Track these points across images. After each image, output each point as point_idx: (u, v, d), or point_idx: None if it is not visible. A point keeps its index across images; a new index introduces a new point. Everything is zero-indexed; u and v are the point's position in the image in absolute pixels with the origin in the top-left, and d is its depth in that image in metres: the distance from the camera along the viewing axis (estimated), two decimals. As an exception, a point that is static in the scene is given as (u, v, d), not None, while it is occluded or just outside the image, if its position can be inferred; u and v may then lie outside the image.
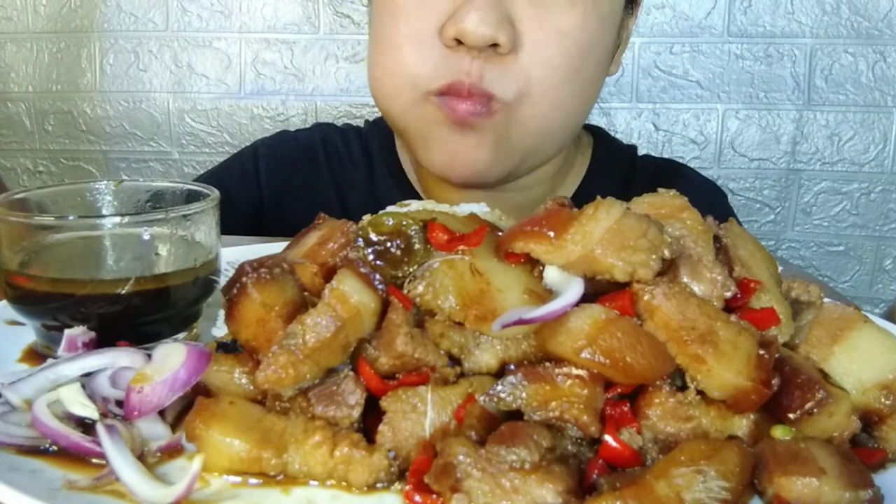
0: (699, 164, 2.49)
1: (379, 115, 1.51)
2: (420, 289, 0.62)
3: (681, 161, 1.69)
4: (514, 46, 1.06)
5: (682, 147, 2.53)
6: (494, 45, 1.05)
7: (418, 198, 1.35)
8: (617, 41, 1.22)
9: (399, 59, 1.11)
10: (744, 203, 2.54)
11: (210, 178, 1.44)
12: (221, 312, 0.82)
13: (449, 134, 1.11)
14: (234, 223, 1.34)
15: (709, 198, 1.47)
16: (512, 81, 1.08)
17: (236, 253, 0.93)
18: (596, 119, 1.31)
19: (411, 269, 0.64)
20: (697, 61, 2.51)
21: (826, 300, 0.70)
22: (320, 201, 1.38)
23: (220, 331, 0.80)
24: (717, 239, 0.68)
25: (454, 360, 0.61)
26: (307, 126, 1.59)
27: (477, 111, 1.08)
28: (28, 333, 0.77)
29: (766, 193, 2.56)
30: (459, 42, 1.05)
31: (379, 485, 0.55)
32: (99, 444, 0.56)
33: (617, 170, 1.43)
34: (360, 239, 0.66)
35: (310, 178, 1.41)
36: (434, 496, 0.52)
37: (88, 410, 0.61)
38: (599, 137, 1.46)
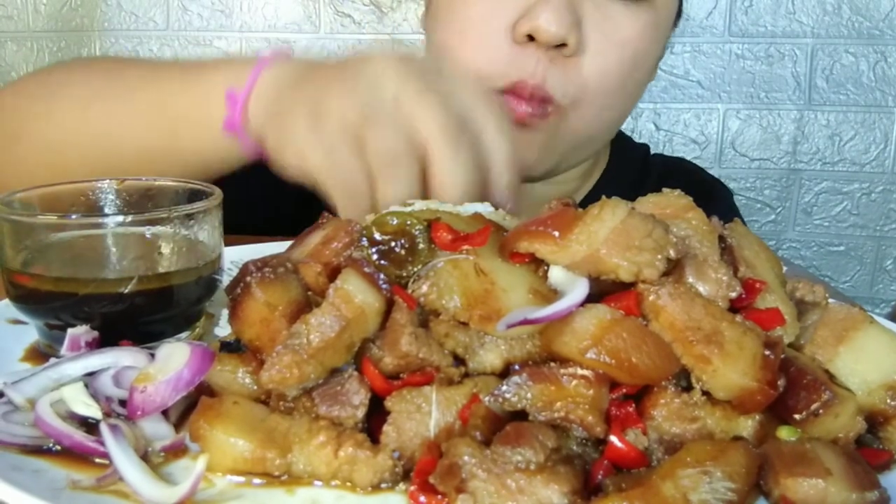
0: (700, 164, 2.49)
1: None
2: (424, 288, 0.62)
3: (684, 161, 1.71)
4: (579, 50, 1.09)
5: (682, 147, 2.53)
6: (561, 46, 1.07)
7: None
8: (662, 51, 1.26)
9: (468, 54, 1.13)
10: (745, 203, 2.54)
11: None
12: (224, 312, 0.81)
13: None
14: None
15: (715, 195, 1.49)
16: (571, 87, 1.11)
17: (239, 252, 0.93)
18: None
19: (415, 269, 0.64)
20: (698, 61, 2.51)
21: (831, 301, 0.69)
22: None
23: (223, 330, 0.80)
24: (721, 239, 0.68)
25: (458, 361, 0.61)
26: None
27: (534, 112, 1.11)
28: (30, 332, 0.77)
29: (766, 193, 2.56)
30: (530, 39, 1.07)
31: (383, 485, 0.55)
32: (102, 443, 0.56)
33: (631, 168, 1.45)
34: (365, 238, 0.65)
35: None
36: (439, 496, 0.52)
37: (92, 410, 0.60)
38: (616, 136, 1.48)
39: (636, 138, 2.55)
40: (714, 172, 2.52)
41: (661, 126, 2.55)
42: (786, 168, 2.53)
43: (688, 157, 2.54)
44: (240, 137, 0.98)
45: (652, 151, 1.57)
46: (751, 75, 2.49)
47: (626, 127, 2.53)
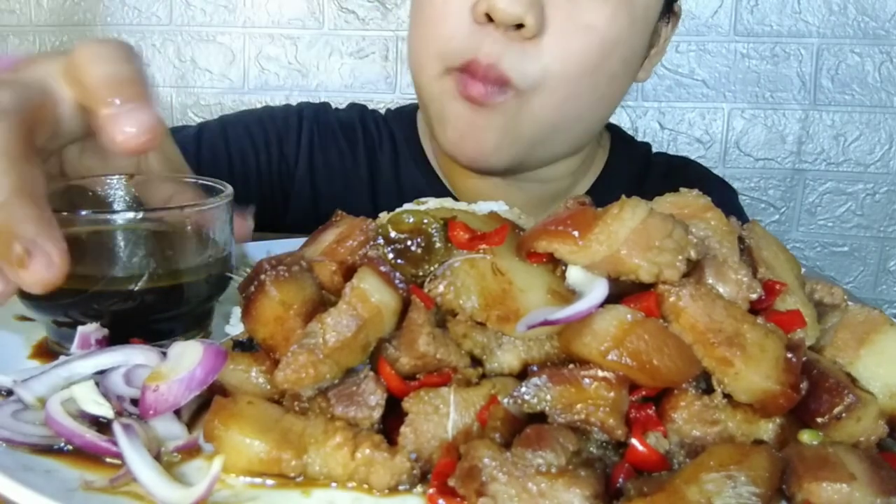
0: (704, 164, 2.49)
1: (393, 107, 1.52)
2: (441, 288, 0.61)
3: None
4: (539, 31, 1.07)
5: (687, 146, 2.53)
6: (520, 27, 1.06)
7: (442, 185, 1.36)
8: (648, 46, 1.23)
9: (432, 32, 1.14)
10: (749, 203, 2.54)
11: (248, 116, 1.44)
12: (235, 310, 0.81)
13: (462, 110, 1.13)
14: (262, 174, 1.34)
15: (720, 195, 1.49)
16: (529, 69, 1.09)
17: (251, 250, 0.92)
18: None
19: (432, 268, 0.63)
20: (703, 60, 2.50)
21: (849, 303, 0.69)
22: (353, 180, 1.39)
23: (233, 329, 0.79)
24: (740, 240, 0.67)
25: (475, 361, 0.60)
26: None
27: (489, 92, 1.09)
28: (38, 329, 0.76)
29: (770, 193, 2.56)
30: (489, 19, 1.06)
31: (401, 487, 0.54)
32: (115, 443, 0.55)
33: (632, 167, 1.44)
34: (380, 237, 0.65)
35: (346, 156, 1.41)
36: (458, 499, 0.51)
37: (103, 409, 0.59)
38: (617, 136, 1.48)
39: (640, 137, 2.55)
40: (718, 172, 2.51)
41: (666, 125, 2.54)
42: (790, 168, 2.53)
43: (692, 157, 2.55)
44: None
45: (656, 150, 1.56)
46: (756, 75, 2.48)
47: (630, 125, 2.54)
